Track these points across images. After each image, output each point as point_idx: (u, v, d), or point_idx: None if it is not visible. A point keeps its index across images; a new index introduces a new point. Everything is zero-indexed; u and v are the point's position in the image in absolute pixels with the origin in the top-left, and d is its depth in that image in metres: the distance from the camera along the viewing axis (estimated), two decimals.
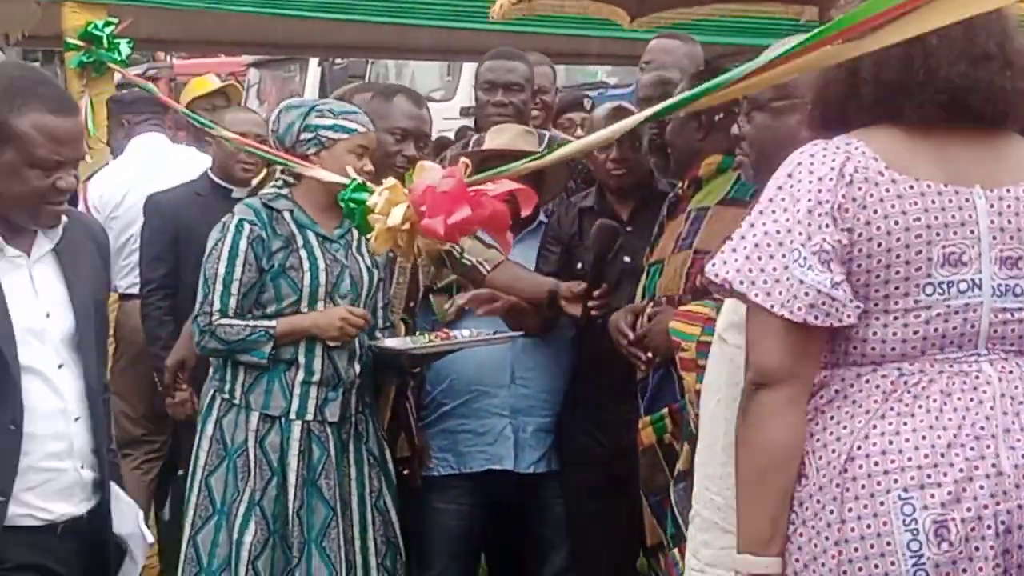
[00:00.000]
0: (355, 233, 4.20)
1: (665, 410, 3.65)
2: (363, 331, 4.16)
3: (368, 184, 3.87)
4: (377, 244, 3.69)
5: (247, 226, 4.09)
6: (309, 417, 4.13)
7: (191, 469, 4.22)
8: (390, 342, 4.23)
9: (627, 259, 4.28)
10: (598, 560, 4.49)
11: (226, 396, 4.16)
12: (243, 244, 4.08)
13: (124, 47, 5.21)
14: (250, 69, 15.84)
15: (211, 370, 4.28)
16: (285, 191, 4.18)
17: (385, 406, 4.41)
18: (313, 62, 13.90)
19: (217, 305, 4.08)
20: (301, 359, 4.12)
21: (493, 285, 4.39)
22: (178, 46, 11.42)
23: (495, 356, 4.42)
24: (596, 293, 4.19)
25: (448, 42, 6.51)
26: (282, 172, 4.22)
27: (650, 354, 3.79)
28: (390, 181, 3.69)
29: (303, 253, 4.12)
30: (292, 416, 4.12)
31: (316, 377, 4.13)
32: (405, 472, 4.53)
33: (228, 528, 4.09)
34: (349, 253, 4.21)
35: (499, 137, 4.54)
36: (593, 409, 4.32)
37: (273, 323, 4.09)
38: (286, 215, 4.15)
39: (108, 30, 5.18)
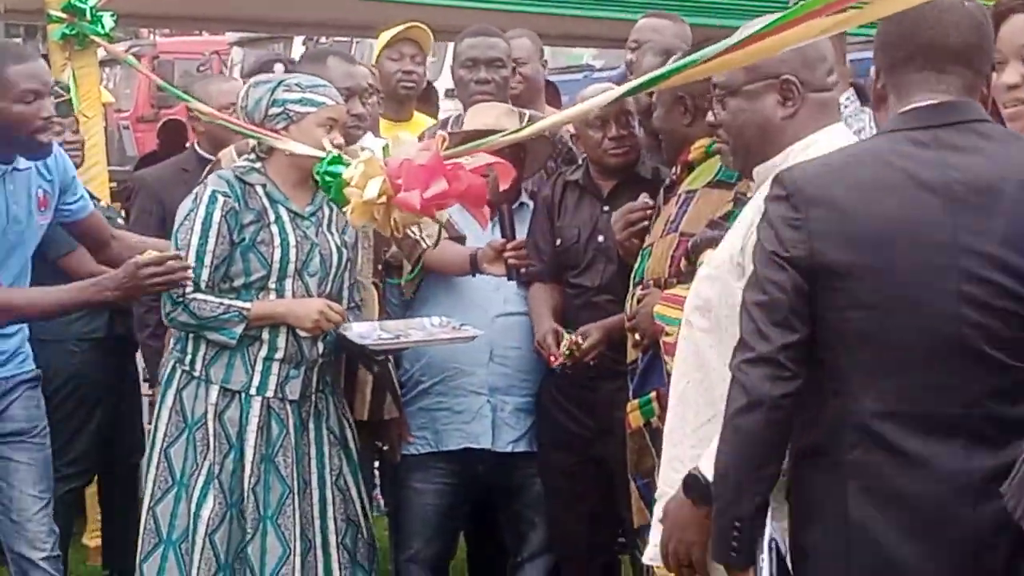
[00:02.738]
0: (327, 210, 4.18)
1: (653, 394, 3.65)
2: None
3: (344, 157, 3.84)
4: (354, 218, 3.67)
5: (220, 198, 4.05)
6: (269, 394, 4.11)
7: (151, 441, 4.20)
8: (356, 328, 4.18)
9: (601, 238, 4.28)
10: (574, 541, 4.48)
11: (186, 368, 4.13)
12: (216, 216, 4.04)
13: (108, 20, 5.17)
14: (233, 48, 15.80)
15: (172, 341, 4.25)
16: (258, 165, 4.13)
17: (366, 369, 4.40)
18: (297, 41, 13.85)
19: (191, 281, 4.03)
20: (265, 335, 4.10)
21: (427, 263, 4.41)
22: (160, 22, 11.34)
23: None
24: (510, 246, 4.23)
25: (431, 21, 6.46)
26: (254, 148, 4.17)
27: (637, 336, 3.81)
28: (366, 154, 3.67)
29: (274, 228, 4.09)
30: (252, 392, 4.10)
31: (279, 354, 4.11)
32: (384, 447, 4.52)
33: (187, 500, 4.08)
34: (320, 231, 4.17)
35: (481, 117, 4.51)
36: (577, 389, 4.30)
37: (248, 304, 4.06)
38: (259, 189, 4.10)
39: (91, 2, 5.13)
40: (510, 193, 4.30)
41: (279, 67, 5.88)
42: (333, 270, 4.19)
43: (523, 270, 4.30)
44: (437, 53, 13.18)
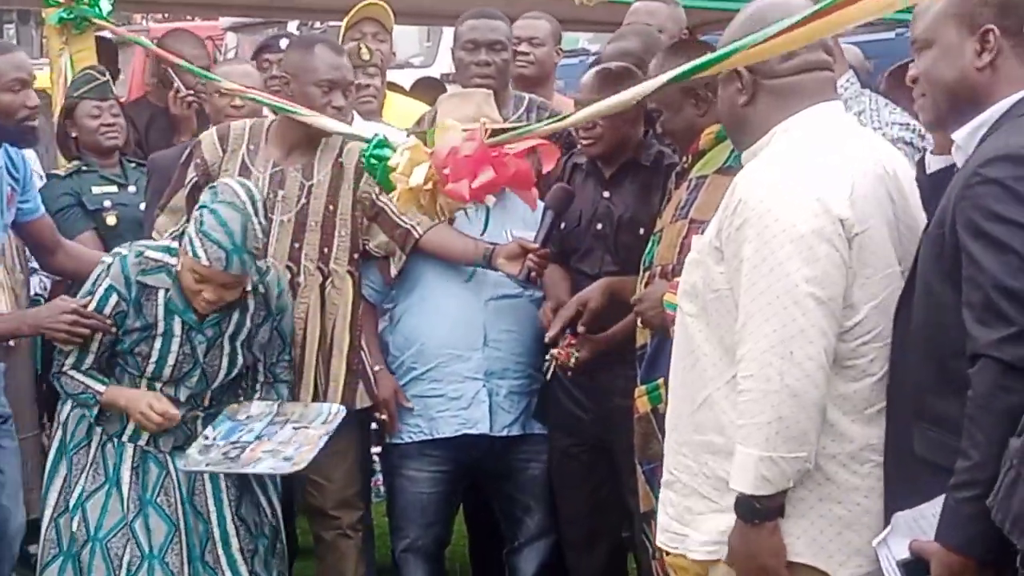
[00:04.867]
0: (233, 318, 4.11)
1: (660, 380, 3.64)
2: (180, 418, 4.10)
3: (389, 140, 3.85)
4: (400, 203, 3.73)
5: (114, 297, 4.04)
6: (142, 443, 4.14)
7: (52, 446, 4.26)
8: (244, 410, 4.16)
9: (600, 226, 4.27)
10: (577, 526, 4.49)
11: None
12: (107, 311, 4.05)
13: (105, 3, 5.15)
14: (227, 33, 15.75)
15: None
16: (173, 260, 4.05)
17: (339, 358, 4.38)
18: (292, 26, 13.82)
19: (71, 361, 4.09)
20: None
21: (425, 247, 4.39)
22: (155, 8, 11.32)
23: (467, 319, 4.41)
24: (539, 251, 4.19)
25: (428, 6, 6.44)
26: (174, 234, 4.23)
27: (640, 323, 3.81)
28: (411, 140, 3.70)
29: (157, 343, 4.07)
30: (125, 439, 4.14)
31: (143, 439, 4.14)
32: (383, 417, 4.48)
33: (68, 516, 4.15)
34: (214, 344, 4.11)
35: (459, 109, 4.29)
36: (580, 375, 4.28)
37: (101, 388, 4.07)
38: (159, 295, 4.05)
39: None
40: (564, 202, 4.27)
41: (284, 42, 5.87)
42: (216, 383, 4.17)
43: (533, 273, 4.23)
44: (432, 38, 13.21)
